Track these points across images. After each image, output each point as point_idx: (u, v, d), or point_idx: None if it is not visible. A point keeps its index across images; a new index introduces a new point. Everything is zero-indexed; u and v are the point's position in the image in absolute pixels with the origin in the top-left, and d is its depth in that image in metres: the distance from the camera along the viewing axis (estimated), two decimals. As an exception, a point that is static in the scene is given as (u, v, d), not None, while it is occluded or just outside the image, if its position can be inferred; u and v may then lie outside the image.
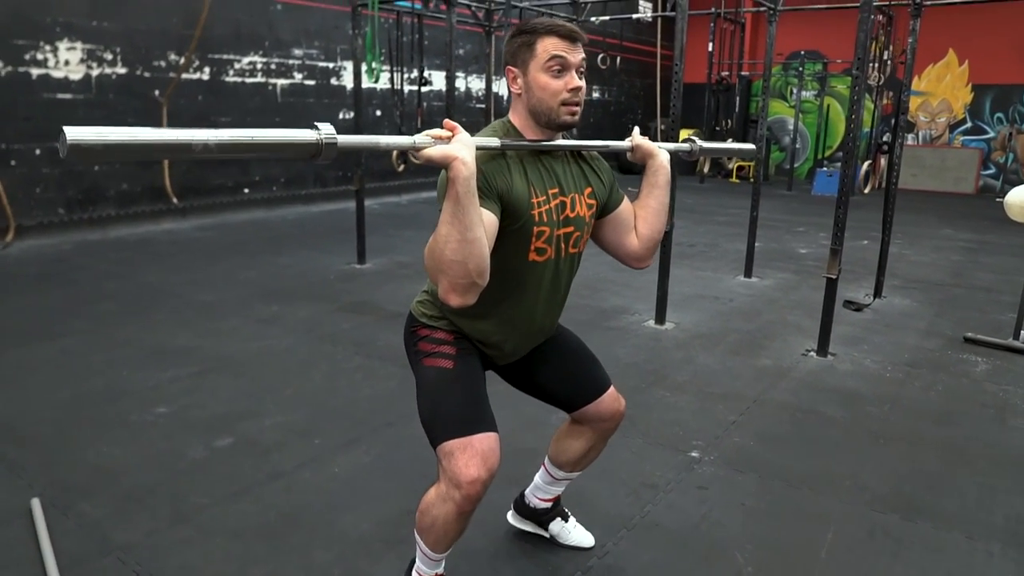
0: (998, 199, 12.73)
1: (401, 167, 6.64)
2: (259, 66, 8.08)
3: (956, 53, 13.15)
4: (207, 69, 7.57)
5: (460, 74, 10.67)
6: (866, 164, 4.59)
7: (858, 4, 3.64)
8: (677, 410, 3.27)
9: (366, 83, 5.98)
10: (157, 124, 6.95)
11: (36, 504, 2.32)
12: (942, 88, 13.31)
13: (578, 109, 1.65)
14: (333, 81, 9.02)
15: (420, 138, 1.38)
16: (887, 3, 5.86)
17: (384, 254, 6.35)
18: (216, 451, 2.78)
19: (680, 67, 4.32)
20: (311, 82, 8.73)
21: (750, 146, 2.26)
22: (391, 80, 6.47)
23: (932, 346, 4.27)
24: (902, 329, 4.60)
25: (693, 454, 2.85)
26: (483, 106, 10.68)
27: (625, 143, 1.85)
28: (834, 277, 3.91)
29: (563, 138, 1.73)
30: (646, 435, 2.99)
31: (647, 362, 3.91)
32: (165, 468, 2.63)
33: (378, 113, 9.44)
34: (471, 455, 1.58)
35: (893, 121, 4.99)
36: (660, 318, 4.58)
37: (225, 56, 7.72)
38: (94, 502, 2.39)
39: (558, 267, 1.74)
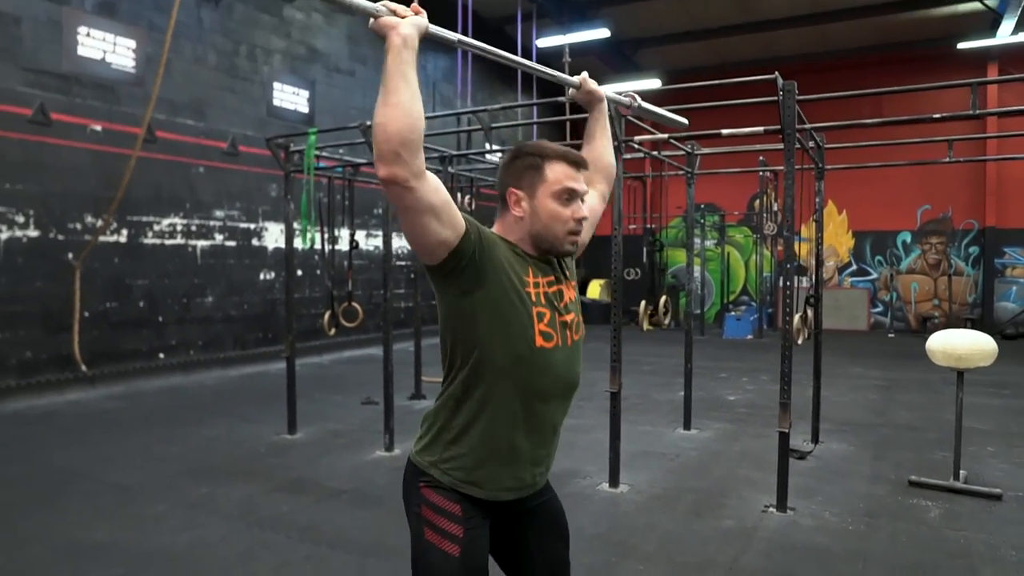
0: (890, 335, 13.77)
1: (333, 330, 6.44)
2: (179, 227, 7.93)
3: (835, 204, 14.53)
4: (125, 231, 7.35)
5: (377, 232, 10.81)
6: (797, 317, 4.80)
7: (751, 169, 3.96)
8: (656, 585, 3.11)
9: (297, 245, 5.92)
10: (68, 287, 6.58)
11: None
12: (827, 235, 14.42)
13: (578, 238, 1.67)
14: (254, 242, 8.93)
15: (379, 6, 1.42)
16: (801, 167, 6.37)
17: (314, 422, 6.03)
18: None
19: (619, 229, 4.52)
20: (232, 243, 8.61)
21: (683, 120, 2.49)
22: (321, 242, 6.41)
23: (881, 492, 4.33)
24: (848, 476, 4.66)
25: (685, 637, 2.68)
26: (407, 263, 10.79)
27: (575, 79, 1.97)
28: (786, 431, 3.96)
29: None
30: (631, 618, 2.80)
31: (611, 531, 3.75)
32: None
33: (299, 272, 9.34)
34: None
35: (814, 275, 5.31)
36: (614, 481, 4.46)
37: (144, 218, 7.54)
38: None
39: (568, 356, 1.67)
